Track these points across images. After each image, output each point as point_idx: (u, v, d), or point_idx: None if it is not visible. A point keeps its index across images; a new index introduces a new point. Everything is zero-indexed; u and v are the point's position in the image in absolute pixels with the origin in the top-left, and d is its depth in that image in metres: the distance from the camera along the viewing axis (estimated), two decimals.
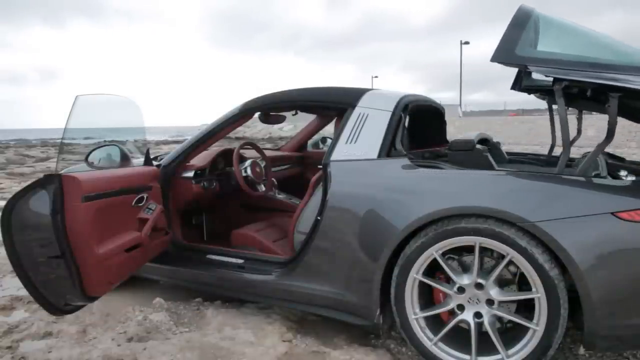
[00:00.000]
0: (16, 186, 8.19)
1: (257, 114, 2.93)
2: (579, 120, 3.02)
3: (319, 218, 2.28)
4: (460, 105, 35.97)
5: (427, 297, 2.17)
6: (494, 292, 1.98)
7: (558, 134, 2.96)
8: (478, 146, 2.54)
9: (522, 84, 2.81)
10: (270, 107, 2.82)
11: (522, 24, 2.05)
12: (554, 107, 2.92)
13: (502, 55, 1.99)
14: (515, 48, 1.98)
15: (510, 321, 2.05)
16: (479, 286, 1.99)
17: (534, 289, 1.87)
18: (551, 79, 1.95)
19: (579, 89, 2.02)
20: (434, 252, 1.99)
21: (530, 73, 2.76)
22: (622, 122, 2.58)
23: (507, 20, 2.05)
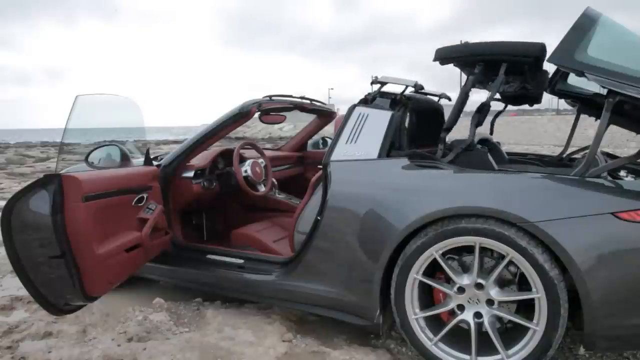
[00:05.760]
0: (16, 186, 8.19)
1: (257, 114, 2.93)
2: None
3: (319, 218, 2.28)
4: None
5: (427, 297, 2.17)
6: (494, 292, 1.98)
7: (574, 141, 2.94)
8: (478, 146, 2.54)
9: (555, 87, 2.81)
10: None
11: (585, 28, 1.98)
12: (583, 115, 2.89)
13: (560, 57, 1.95)
14: (574, 52, 1.93)
15: (510, 321, 2.04)
16: (479, 286, 1.99)
17: (534, 289, 1.87)
18: (594, 88, 1.89)
19: (624, 104, 1.92)
20: (434, 252, 1.99)
21: (566, 77, 2.75)
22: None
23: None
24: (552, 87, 2.82)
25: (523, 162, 3.01)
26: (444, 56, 2.35)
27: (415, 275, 2.04)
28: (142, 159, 2.71)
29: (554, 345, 1.87)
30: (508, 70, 2.24)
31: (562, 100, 3.07)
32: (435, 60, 2.37)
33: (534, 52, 2.18)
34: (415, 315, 2.09)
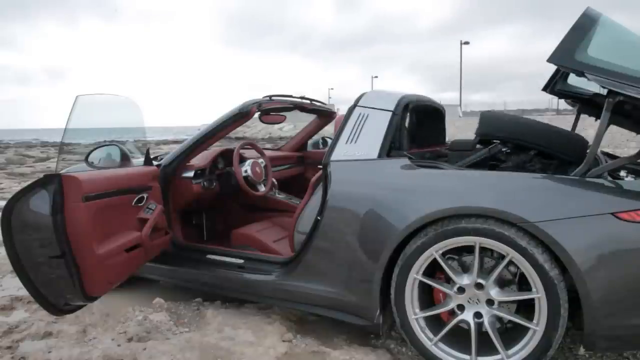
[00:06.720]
0: (16, 186, 8.19)
1: (257, 114, 2.94)
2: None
3: (319, 218, 2.28)
4: (460, 105, 35.93)
5: (428, 297, 2.17)
6: (494, 292, 1.98)
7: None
8: (478, 146, 2.54)
9: (555, 87, 2.81)
10: None
11: (585, 28, 1.98)
12: (583, 115, 2.89)
13: (560, 57, 1.95)
14: (574, 52, 1.93)
15: (510, 321, 2.04)
16: (479, 286, 1.98)
17: (534, 289, 1.86)
18: (594, 88, 1.89)
19: (624, 104, 1.91)
20: (434, 252, 1.99)
21: (566, 78, 2.76)
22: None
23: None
24: (552, 88, 2.82)
25: None
26: (486, 133, 2.40)
27: (415, 275, 2.04)
28: (142, 159, 2.71)
29: (554, 345, 1.87)
30: (538, 153, 2.29)
31: (562, 100, 3.07)
32: (477, 135, 2.43)
33: (578, 153, 2.19)
34: (415, 315, 2.09)
